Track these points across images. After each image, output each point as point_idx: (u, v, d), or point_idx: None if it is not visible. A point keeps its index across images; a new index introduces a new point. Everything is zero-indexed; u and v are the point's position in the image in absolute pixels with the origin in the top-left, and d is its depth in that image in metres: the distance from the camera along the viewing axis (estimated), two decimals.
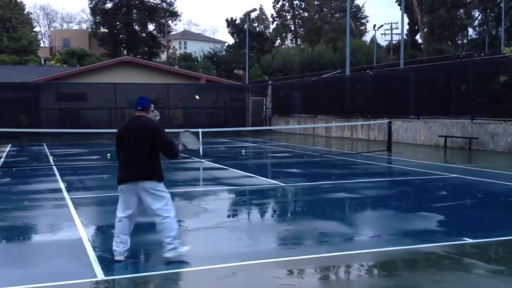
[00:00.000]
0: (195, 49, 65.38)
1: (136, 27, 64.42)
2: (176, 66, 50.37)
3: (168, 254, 5.65)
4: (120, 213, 5.86)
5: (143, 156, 5.69)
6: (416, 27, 64.39)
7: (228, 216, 8.57)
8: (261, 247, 6.40)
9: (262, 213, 8.79)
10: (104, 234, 7.24)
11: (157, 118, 25.66)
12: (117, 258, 5.70)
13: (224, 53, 64.88)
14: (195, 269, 5.49)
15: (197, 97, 16.73)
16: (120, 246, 5.73)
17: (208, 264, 5.49)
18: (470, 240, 6.47)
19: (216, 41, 79.57)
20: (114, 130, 24.72)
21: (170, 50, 67.73)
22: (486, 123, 19.00)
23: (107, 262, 5.70)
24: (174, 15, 66.87)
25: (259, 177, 12.61)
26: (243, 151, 19.78)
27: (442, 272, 5.30)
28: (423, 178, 12.36)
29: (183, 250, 5.72)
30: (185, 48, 75.84)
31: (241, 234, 6.93)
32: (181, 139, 6.41)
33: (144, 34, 64.60)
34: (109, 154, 18.48)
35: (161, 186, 5.76)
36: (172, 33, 71.95)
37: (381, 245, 6.36)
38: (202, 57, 60.98)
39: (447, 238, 6.63)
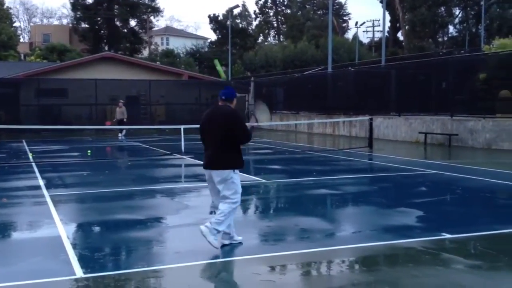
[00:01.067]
0: (178, 45, 65.03)
1: (118, 23, 63.87)
2: (158, 62, 50.09)
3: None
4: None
5: (222, 144, 5.96)
6: (397, 25, 64.88)
7: (210, 213, 8.53)
8: (243, 243, 6.40)
9: (244, 210, 8.78)
10: (83, 232, 7.18)
11: (124, 115, 25.66)
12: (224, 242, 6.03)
13: (206, 49, 64.62)
14: (176, 265, 5.48)
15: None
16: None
17: (189, 261, 5.48)
18: (449, 235, 6.54)
19: (199, 37, 79.29)
20: (95, 127, 24.45)
21: (152, 46, 67.34)
22: (466, 120, 19.23)
23: (86, 259, 5.66)
24: (156, 11, 66.45)
25: (241, 173, 12.60)
26: None
27: (421, 267, 5.36)
28: (403, 174, 12.47)
29: (239, 239, 6.17)
30: (167, 44, 75.41)
31: None
32: (255, 112, 6.58)
33: (125, 30, 64.08)
34: (89, 151, 18.35)
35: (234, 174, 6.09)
36: (154, 29, 71.55)
37: (361, 241, 6.40)
38: (185, 53, 60.73)
39: (426, 234, 6.70)
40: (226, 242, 6.02)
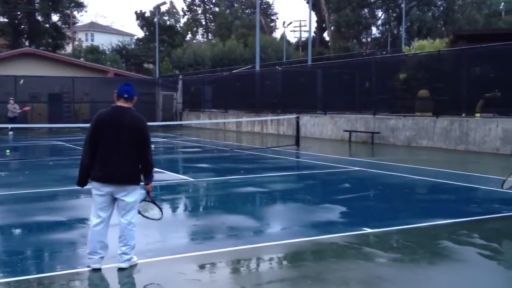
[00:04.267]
0: (103, 41, 63.42)
1: (39, 18, 61.40)
2: (82, 59, 48.62)
3: (123, 265, 5.22)
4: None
5: (127, 155, 5.15)
6: (323, 25, 66.32)
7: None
8: (168, 243, 6.37)
9: (170, 209, 8.72)
10: (1, 235, 6.88)
11: (16, 111, 25.03)
12: (94, 266, 5.20)
13: (133, 46, 63.40)
14: (102, 267, 5.35)
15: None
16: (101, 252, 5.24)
17: (112, 262, 5.37)
18: (370, 230, 6.79)
19: (125, 34, 77.65)
20: (15, 125, 23.34)
21: (76, 42, 65.24)
22: (387, 118, 19.97)
23: (5, 264, 5.43)
24: (80, 5, 64.30)
25: (169, 172, 12.50)
26: (153, 146, 19.52)
27: (343, 262, 5.54)
28: (328, 172, 12.80)
29: (136, 260, 5.35)
30: (92, 40, 73.38)
31: (147, 231, 6.83)
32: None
33: (47, 25, 61.68)
34: (8, 150, 17.56)
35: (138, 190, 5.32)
36: (78, 24, 69.29)
37: (287, 237, 6.52)
38: (110, 50, 59.29)
39: (349, 229, 6.92)
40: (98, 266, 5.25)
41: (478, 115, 17.37)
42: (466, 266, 5.44)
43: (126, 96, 5.22)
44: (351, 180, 11.52)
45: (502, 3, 68.92)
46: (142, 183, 5.33)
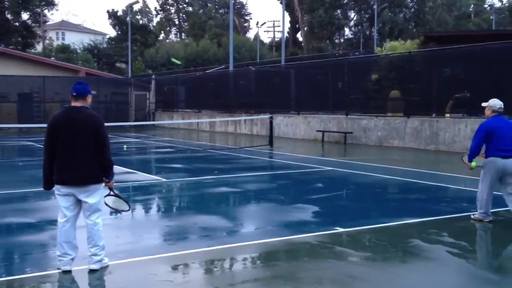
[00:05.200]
0: (74, 40, 62.58)
1: (9, 16, 60.24)
2: (53, 58, 47.92)
3: (94, 266, 5.16)
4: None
5: (85, 155, 5.09)
6: (297, 26, 66.64)
7: (106, 214, 8.32)
8: (140, 244, 6.32)
9: (143, 210, 8.66)
10: None
11: None
12: (64, 268, 5.12)
13: (105, 45, 62.72)
14: (72, 269, 5.28)
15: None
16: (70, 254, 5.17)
17: (83, 264, 5.30)
18: (342, 229, 6.85)
19: (97, 33, 76.75)
20: None
21: (47, 41, 64.22)
22: (359, 119, 20.17)
23: None
24: (51, 4, 63.33)
25: (141, 173, 12.42)
26: (125, 146, 19.36)
27: (316, 261, 5.57)
28: (301, 172, 12.86)
29: (107, 262, 5.28)
30: (63, 39, 72.36)
31: (119, 232, 6.78)
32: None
33: (17, 24, 60.57)
34: None
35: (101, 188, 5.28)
36: (48, 23, 68.20)
37: (260, 237, 6.53)
38: (82, 49, 58.57)
39: (321, 228, 6.97)
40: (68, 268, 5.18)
41: (448, 115, 17.67)
42: (435, 264, 5.53)
43: (75, 94, 5.16)
44: (324, 180, 11.60)
45: (472, 5, 70.30)
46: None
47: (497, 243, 6.67)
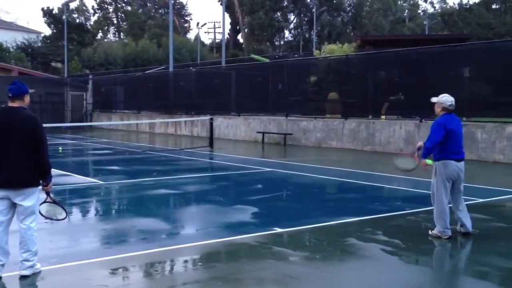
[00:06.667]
0: (6, 38, 60.06)
1: None
2: None
3: (25, 272, 4.95)
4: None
5: (22, 156, 4.94)
6: (237, 27, 66.84)
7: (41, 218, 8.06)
8: (75, 248, 6.14)
9: (79, 214, 8.43)
10: None
11: None
12: None
13: (40, 44, 60.63)
14: (2, 275, 5.07)
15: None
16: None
17: (14, 269, 5.10)
18: (281, 230, 6.91)
19: (31, 31, 74.02)
20: None
21: None
22: (299, 120, 20.44)
23: None
24: None
25: (77, 175, 12.10)
26: (60, 148, 18.81)
27: (254, 261, 5.60)
28: (241, 173, 12.90)
29: (39, 267, 5.09)
30: None
31: (53, 237, 6.57)
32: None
33: None
34: None
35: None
36: None
37: (199, 239, 6.49)
38: (15, 47, 56.35)
39: (260, 229, 7.00)
40: None
41: (383, 117, 18.19)
42: (371, 262, 5.68)
43: (10, 95, 5.01)
44: (263, 181, 11.68)
45: (406, 11, 72.73)
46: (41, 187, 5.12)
47: (430, 241, 6.91)
